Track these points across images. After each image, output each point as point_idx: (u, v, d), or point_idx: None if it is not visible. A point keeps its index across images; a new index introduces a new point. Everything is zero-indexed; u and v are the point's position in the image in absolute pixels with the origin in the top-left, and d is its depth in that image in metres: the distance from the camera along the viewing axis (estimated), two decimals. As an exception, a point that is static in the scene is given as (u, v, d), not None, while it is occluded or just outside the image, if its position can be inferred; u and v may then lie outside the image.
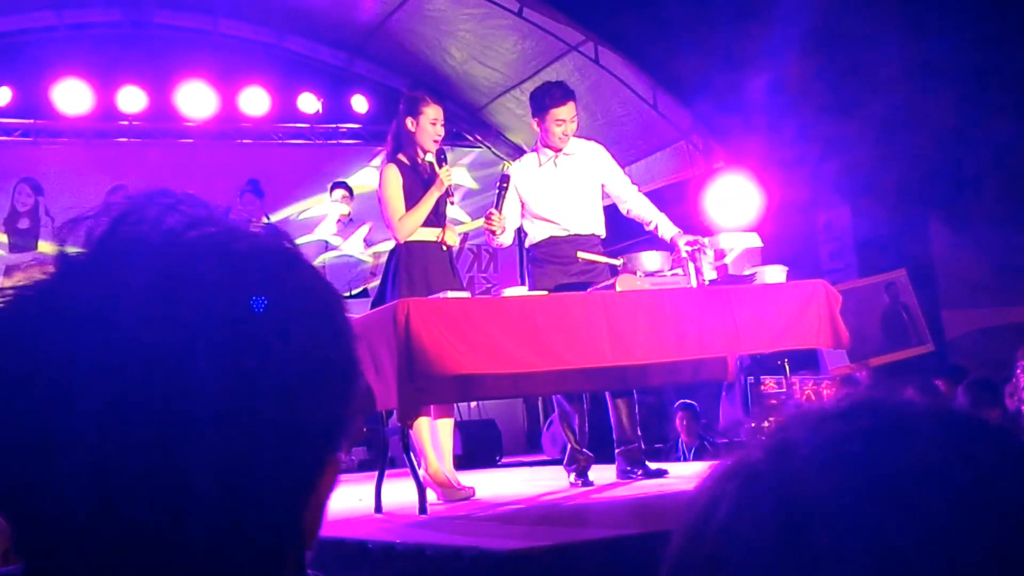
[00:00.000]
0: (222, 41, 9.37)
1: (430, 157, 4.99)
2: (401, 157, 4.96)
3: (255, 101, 9.39)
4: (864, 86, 7.94)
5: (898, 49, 7.89)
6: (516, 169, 5.25)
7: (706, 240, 5.38)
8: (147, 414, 0.63)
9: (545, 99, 5.10)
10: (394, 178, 4.88)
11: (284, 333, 0.67)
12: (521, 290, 5.28)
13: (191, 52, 9.10)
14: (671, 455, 7.84)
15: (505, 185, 5.12)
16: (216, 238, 0.68)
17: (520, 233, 5.42)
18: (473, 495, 4.73)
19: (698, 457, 7.19)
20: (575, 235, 5.18)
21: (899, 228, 8.08)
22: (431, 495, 4.54)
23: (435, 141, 4.97)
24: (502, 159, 10.35)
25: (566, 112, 5.05)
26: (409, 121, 4.95)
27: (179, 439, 0.63)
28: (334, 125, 9.82)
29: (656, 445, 7.55)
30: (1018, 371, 6.30)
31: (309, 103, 9.66)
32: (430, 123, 4.94)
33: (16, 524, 0.67)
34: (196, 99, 9.12)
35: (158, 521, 0.64)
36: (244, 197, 8.95)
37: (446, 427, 4.92)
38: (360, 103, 9.81)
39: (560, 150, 5.13)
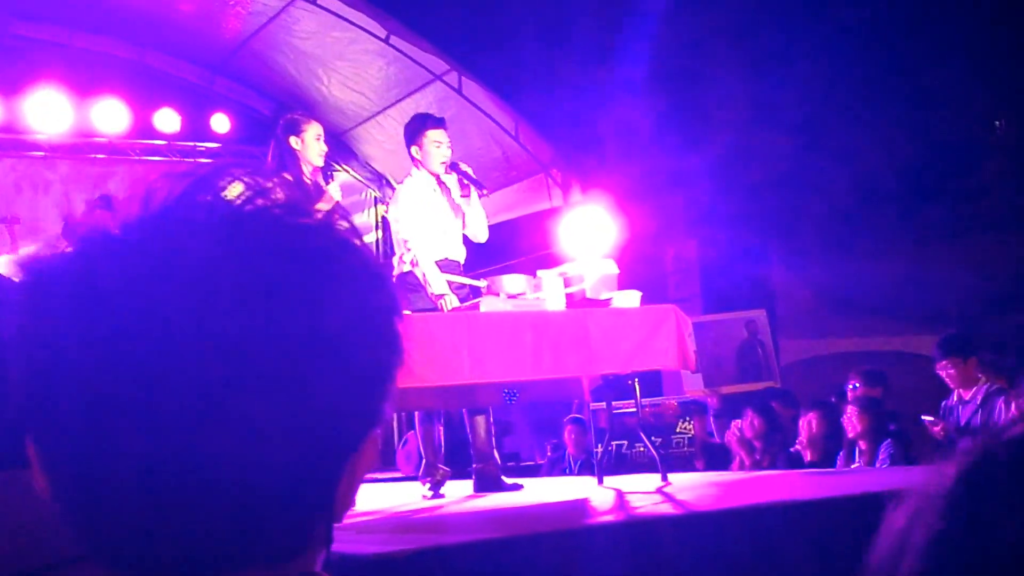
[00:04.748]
0: (77, 54, 9.12)
1: (311, 170, 5.08)
2: (287, 177, 4.99)
3: (111, 116, 9.17)
4: (708, 124, 8.38)
5: (740, 88, 8.36)
6: (409, 187, 5.37)
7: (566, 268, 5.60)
8: (189, 375, 0.64)
9: (421, 122, 5.33)
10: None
11: (333, 307, 0.68)
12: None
13: (45, 64, 8.85)
14: (558, 467, 8.10)
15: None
16: (275, 211, 0.70)
17: (390, 252, 5.52)
18: (354, 506, 4.77)
19: (584, 471, 7.41)
20: (448, 259, 5.35)
21: (741, 261, 8.53)
22: None
23: (321, 156, 5.10)
24: (365, 185, 10.45)
25: (442, 135, 5.26)
26: (293, 140, 5.05)
27: (219, 404, 0.64)
28: (193, 144, 9.69)
29: (508, 463, 7.74)
30: (849, 393, 6.76)
31: (167, 120, 9.50)
32: (315, 139, 5.08)
33: (58, 484, 0.69)
34: (49, 112, 8.87)
35: (189, 484, 0.65)
36: (95, 212, 8.74)
37: None
38: (221, 122, 9.70)
39: (438, 174, 5.29)
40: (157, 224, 0.68)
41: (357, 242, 0.73)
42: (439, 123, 5.30)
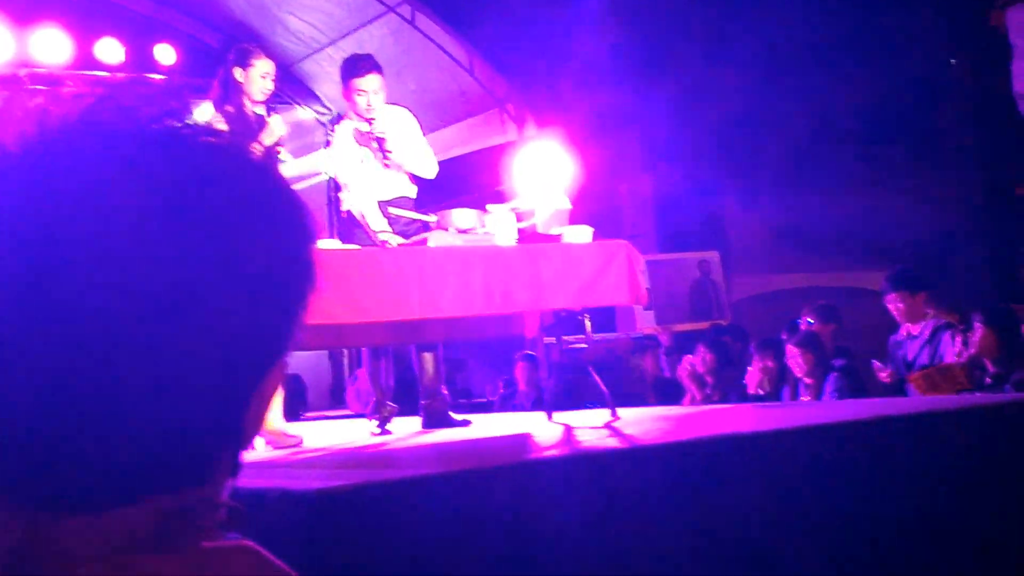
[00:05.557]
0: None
1: (260, 109, 5.00)
2: (227, 108, 4.93)
3: (50, 46, 8.91)
4: (665, 59, 8.30)
5: (698, 24, 8.29)
6: (341, 131, 5.28)
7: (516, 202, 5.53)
8: (86, 298, 0.62)
9: (349, 69, 5.19)
10: (219, 127, 4.84)
11: (245, 229, 0.67)
12: (333, 243, 5.31)
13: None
14: (510, 403, 8.09)
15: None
16: (184, 131, 0.69)
17: (335, 192, 5.45)
18: (301, 444, 4.74)
19: (536, 407, 7.39)
20: (399, 197, 5.27)
21: (696, 197, 8.52)
22: (259, 443, 4.58)
23: (264, 93, 4.99)
24: (320, 123, 10.28)
25: (367, 84, 5.11)
26: (238, 71, 4.94)
27: (117, 329, 0.62)
28: (137, 75, 9.42)
29: (460, 400, 7.74)
30: (802, 327, 6.78)
31: (110, 51, 9.24)
32: (260, 76, 4.96)
33: None
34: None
35: (87, 411, 0.63)
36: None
37: None
38: (166, 53, 9.47)
39: (370, 120, 5.18)
40: (55, 143, 0.66)
41: (269, 166, 0.72)
42: (364, 70, 5.14)
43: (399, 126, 5.29)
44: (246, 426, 0.71)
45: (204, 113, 5.21)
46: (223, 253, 0.65)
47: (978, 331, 5.52)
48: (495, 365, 9.07)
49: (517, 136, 8.72)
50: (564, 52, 8.14)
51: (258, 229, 0.68)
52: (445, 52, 8.74)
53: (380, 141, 5.17)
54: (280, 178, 0.72)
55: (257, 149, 4.83)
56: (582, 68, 7.96)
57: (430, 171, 5.36)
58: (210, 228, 0.65)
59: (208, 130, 0.70)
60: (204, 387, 0.66)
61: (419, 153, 5.32)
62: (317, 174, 9.88)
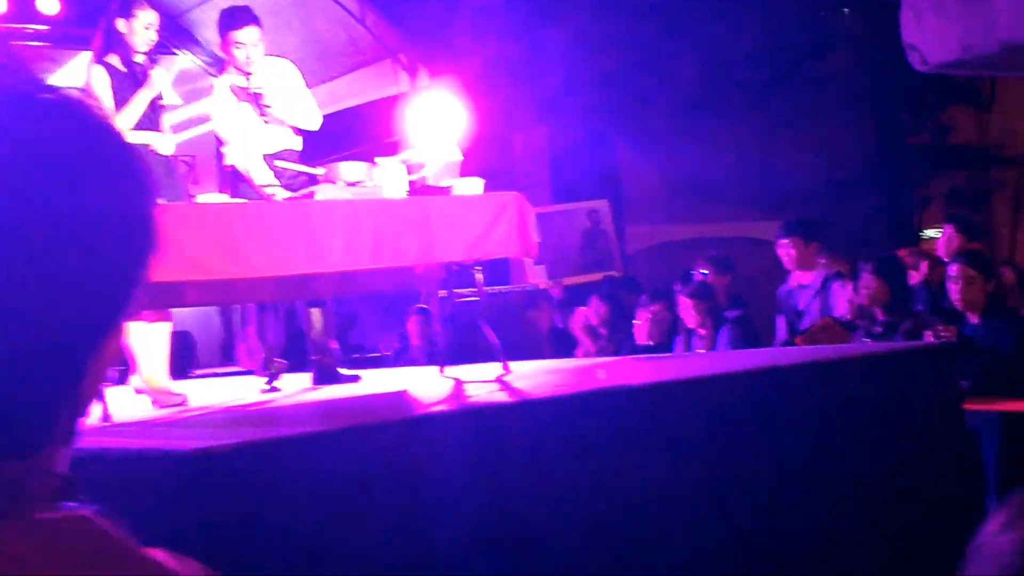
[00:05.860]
0: None
1: (142, 59, 4.88)
2: (110, 59, 4.82)
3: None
4: (559, 9, 8.22)
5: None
6: (220, 84, 5.14)
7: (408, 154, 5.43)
8: None
9: (226, 21, 5.06)
10: (101, 79, 4.79)
11: (82, 185, 0.66)
12: (220, 197, 5.16)
13: None
14: (403, 358, 8.02)
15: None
16: (20, 88, 0.67)
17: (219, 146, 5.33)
18: (186, 402, 4.64)
19: (429, 361, 7.30)
20: (278, 152, 5.15)
21: (591, 148, 8.49)
22: (144, 401, 4.52)
23: (148, 44, 4.88)
24: (208, 72, 9.94)
25: (244, 36, 4.98)
26: (121, 22, 4.82)
27: None
28: (20, 26, 8.99)
29: (354, 355, 7.64)
30: (696, 278, 6.79)
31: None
32: (144, 27, 4.85)
33: None
34: None
35: None
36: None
37: (162, 331, 4.78)
38: (48, 4, 9.02)
39: (248, 75, 5.04)
40: None
41: (106, 123, 0.71)
42: (241, 22, 4.99)
43: (280, 78, 5.16)
44: (82, 393, 0.69)
45: (83, 64, 5.03)
46: (54, 212, 0.63)
47: (867, 281, 5.57)
48: (389, 320, 8.99)
49: (409, 87, 8.56)
50: (456, 1, 7.99)
51: (93, 187, 0.66)
52: (335, 1, 8.52)
53: (257, 97, 5.02)
54: (120, 136, 0.71)
55: (140, 103, 4.67)
56: (475, 17, 7.84)
57: (313, 123, 5.24)
58: (41, 186, 0.63)
59: (46, 87, 0.68)
60: (36, 353, 0.64)
61: (301, 105, 5.19)
62: (207, 119, 9.59)
